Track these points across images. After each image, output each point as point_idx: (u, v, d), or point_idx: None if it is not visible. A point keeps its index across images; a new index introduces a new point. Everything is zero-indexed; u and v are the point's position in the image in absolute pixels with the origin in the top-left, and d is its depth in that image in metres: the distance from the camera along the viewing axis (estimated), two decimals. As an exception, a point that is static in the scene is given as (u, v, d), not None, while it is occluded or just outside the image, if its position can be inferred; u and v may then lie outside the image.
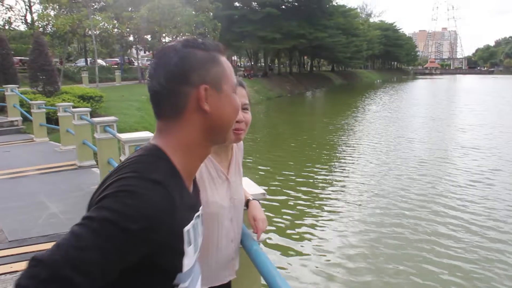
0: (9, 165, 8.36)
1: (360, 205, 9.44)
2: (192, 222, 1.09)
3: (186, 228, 1.05)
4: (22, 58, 30.57)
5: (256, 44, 49.98)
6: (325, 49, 57.07)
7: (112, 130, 6.42)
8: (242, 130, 1.81)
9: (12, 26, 32.51)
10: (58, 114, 9.95)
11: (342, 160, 14.10)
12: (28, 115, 12.17)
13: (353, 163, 13.65)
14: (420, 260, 6.73)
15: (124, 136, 5.06)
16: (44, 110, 11.67)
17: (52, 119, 12.26)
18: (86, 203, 1.01)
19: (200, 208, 1.20)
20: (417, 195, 9.90)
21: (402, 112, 29.04)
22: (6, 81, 15.25)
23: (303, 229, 8.17)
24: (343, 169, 12.77)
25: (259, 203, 2.17)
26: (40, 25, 31.04)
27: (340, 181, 11.41)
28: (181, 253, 1.05)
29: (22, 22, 33.31)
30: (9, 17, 31.39)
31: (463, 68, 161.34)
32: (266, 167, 13.00)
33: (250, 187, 2.40)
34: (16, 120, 13.04)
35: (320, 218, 8.71)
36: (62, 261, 0.83)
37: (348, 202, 9.60)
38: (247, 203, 2.06)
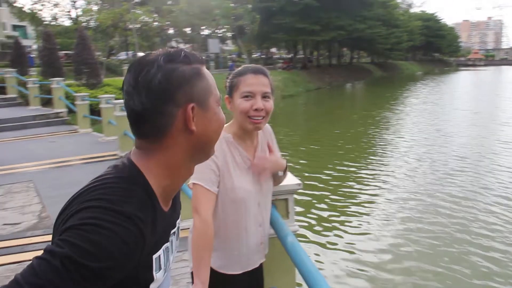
0: (55, 155, 8.71)
1: (394, 202, 9.23)
2: (165, 245, 1.05)
3: (156, 255, 1.00)
4: (67, 52, 31.52)
5: (295, 36, 49.68)
6: (364, 40, 56.12)
7: (152, 121, 6.59)
8: (262, 117, 1.81)
9: (58, 21, 33.59)
10: (101, 105, 10.27)
11: (379, 155, 13.87)
12: (73, 107, 12.60)
13: (390, 157, 13.40)
14: (456, 261, 6.50)
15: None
16: (88, 102, 12.06)
17: (95, 110, 12.66)
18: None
19: (177, 222, 1.14)
20: (456, 192, 9.54)
21: (442, 105, 28.21)
22: (53, 74, 15.82)
23: (335, 224, 8.02)
24: (379, 164, 12.54)
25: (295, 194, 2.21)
26: (83, 20, 31.92)
27: (375, 176, 11.18)
28: (148, 280, 1.00)
29: (67, 18, 34.33)
30: (56, 13, 32.42)
31: (509, 59, 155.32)
32: (300, 160, 12.94)
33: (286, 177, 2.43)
34: (62, 112, 13.51)
35: (353, 214, 8.54)
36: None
37: (383, 198, 9.40)
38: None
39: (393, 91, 40.01)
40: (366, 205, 9.04)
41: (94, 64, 16.57)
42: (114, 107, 8.88)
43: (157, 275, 1.01)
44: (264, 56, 63.56)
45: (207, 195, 1.77)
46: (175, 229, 1.12)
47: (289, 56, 62.95)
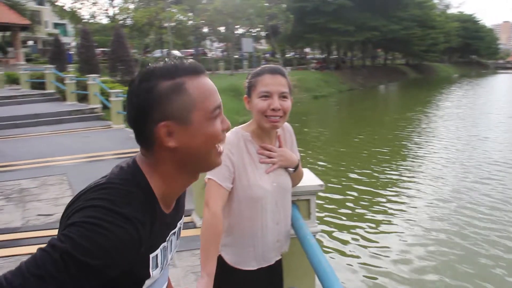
0: (88, 150, 8.96)
1: (422, 209, 8.94)
2: (163, 245, 1.10)
3: (153, 254, 1.06)
4: (104, 49, 32.28)
5: (329, 37, 49.35)
6: (399, 42, 55.21)
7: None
8: (279, 116, 1.83)
9: (96, 19, 34.45)
10: (134, 102, 10.46)
11: (408, 159, 13.56)
12: (107, 103, 12.88)
13: (420, 162, 13.08)
14: (486, 275, 6.22)
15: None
16: (122, 98, 12.31)
17: (128, 107, 12.90)
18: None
19: (179, 223, 1.20)
20: (489, 201, 9.16)
21: (477, 109, 27.46)
22: (89, 71, 16.23)
23: (358, 230, 7.78)
24: (408, 169, 12.24)
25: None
26: (120, 18, 32.60)
27: (403, 181, 10.88)
28: (144, 277, 1.05)
29: (105, 16, 35.18)
30: (94, 11, 33.33)
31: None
32: (325, 162, 12.80)
33: (308, 178, 2.45)
34: (97, 108, 13.83)
35: (378, 220, 8.29)
36: (20, 275, 0.85)
37: (409, 205, 9.08)
38: None
39: (427, 93, 39.29)
40: (390, 211, 8.78)
41: (129, 61, 16.92)
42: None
43: (153, 273, 1.07)
44: (297, 56, 63.37)
45: (219, 190, 1.82)
46: (175, 229, 1.18)
47: (322, 56, 62.59)
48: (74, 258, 0.87)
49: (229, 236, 1.91)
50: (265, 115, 1.83)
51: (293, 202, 2.23)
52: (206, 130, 1.04)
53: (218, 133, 1.07)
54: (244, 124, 1.99)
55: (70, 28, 49.96)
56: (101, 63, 20.06)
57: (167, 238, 1.13)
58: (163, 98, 1.00)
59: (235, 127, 1.98)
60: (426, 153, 14.26)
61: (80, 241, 0.88)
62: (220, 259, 1.89)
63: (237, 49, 45.53)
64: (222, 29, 42.72)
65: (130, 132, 11.06)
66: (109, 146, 9.38)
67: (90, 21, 33.93)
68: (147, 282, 1.07)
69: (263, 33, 51.35)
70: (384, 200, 9.42)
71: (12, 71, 22.93)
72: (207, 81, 1.08)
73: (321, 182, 2.41)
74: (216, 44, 56.24)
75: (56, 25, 57.97)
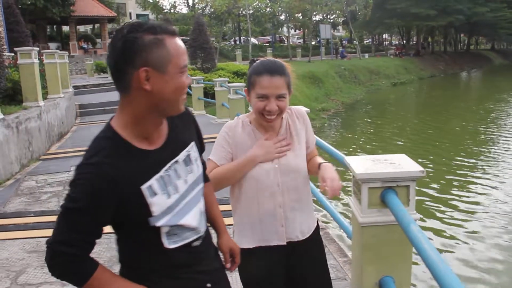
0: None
1: (493, 213, 7.93)
2: (158, 175, 1.30)
3: (145, 185, 1.27)
4: (183, 37, 33.36)
5: (409, 22, 47.40)
6: (485, 25, 51.66)
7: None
8: (275, 115, 1.86)
9: (176, 9, 35.60)
10: (215, 88, 10.69)
11: (487, 155, 12.24)
12: (188, 90, 13.23)
13: (501, 160, 11.71)
14: None
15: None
16: (202, 85, 12.59)
17: (208, 93, 13.20)
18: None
19: (179, 155, 1.38)
20: None
21: None
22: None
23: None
24: (486, 166, 11.06)
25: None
26: (199, 7, 33.37)
27: (473, 180, 9.86)
28: (143, 205, 1.27)
29: (185, 5, 36.24)
30: (174, 1, 34.47)
31: None
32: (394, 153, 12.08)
33: (408, 164, 2.33)
34: (178, 94, 14.29)
35: (446, 224, 7.54)
36: (54, 234, 1.23)
37: (488, 208, 8.18)
38: (319, 166, 2.00)
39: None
40: (462, 217, 7.89)
41: (209, 49, 17.24)
42: (228, 90, 9.17)
43: (153, 200, 1.28)
44: (375, 42, 61.62)
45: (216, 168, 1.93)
46: (177, 159, 1.38)
47: (400, 42, 60.47)
48: (66, 208, 1.21)
49: (234, 202, 1.99)
50: (261, 113, 1.86)
51: (392, 188, 2.13)
52: (175, 80, 1.25)
53: (185, 85, 1.29)
54: (248, 113, 2.06)
55: (152, 18, 51.85)
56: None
57: (165, 169, 1.33)
58: (146, 48, 1.20)
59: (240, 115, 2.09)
60: (504, 151, 12.85)
61: (67, 195, 1.21)
62: None
63: (314, 36, 45.02)
64: (299, 15, 42.39)
65: (210, 118, 11.32)
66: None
67: (171, 11, 35.05)
68: (154, 209, 1.28)
69: (341, 19, 50.36)
70: (454, 203, 8.57)
71: (100, 60, 24.24)
72: (180, 42, 1.28)
73: (421, 168, 2.28)
74: (293, 31, 56.00)
75: (138, 16, 60.25)
